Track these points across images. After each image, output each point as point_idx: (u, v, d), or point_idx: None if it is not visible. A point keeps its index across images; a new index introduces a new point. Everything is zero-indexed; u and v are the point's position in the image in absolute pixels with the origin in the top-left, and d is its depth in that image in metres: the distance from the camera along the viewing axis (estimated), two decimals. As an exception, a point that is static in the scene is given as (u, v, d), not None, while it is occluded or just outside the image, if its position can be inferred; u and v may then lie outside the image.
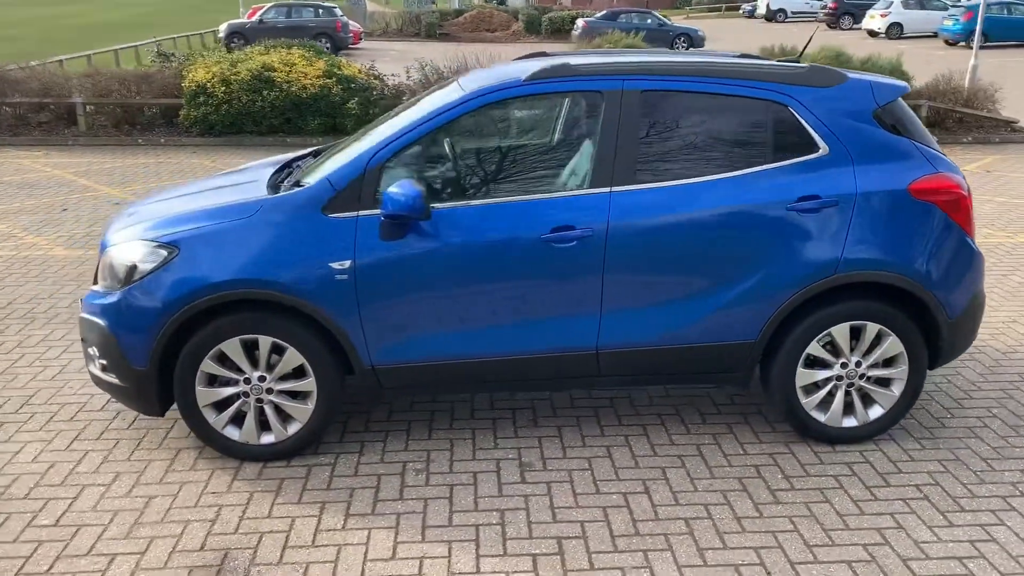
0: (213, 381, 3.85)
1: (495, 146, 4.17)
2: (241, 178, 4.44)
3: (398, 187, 3.59)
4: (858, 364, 3.98)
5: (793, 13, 44.87)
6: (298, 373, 3.85)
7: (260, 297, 3.70)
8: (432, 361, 3.87)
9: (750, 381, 4.09)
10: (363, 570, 3.22)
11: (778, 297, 3.84)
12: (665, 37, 29.63)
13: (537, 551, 3.33)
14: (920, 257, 3.87)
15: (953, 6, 32.20)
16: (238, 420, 3.91)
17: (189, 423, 3.88)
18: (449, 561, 3.27)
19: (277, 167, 4.50)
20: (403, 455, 4.02)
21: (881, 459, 3.98)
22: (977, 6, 28.94)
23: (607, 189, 3.79)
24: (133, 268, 3.77)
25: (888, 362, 4.00)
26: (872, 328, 3.92)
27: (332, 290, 3.71)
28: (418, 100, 4.62)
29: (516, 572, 3.20)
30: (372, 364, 3.84)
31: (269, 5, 27.71)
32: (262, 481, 3.80)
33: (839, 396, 4.02)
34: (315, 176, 4.01)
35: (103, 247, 4.04)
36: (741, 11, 50.45)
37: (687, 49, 29.75)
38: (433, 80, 13.28)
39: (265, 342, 3.77)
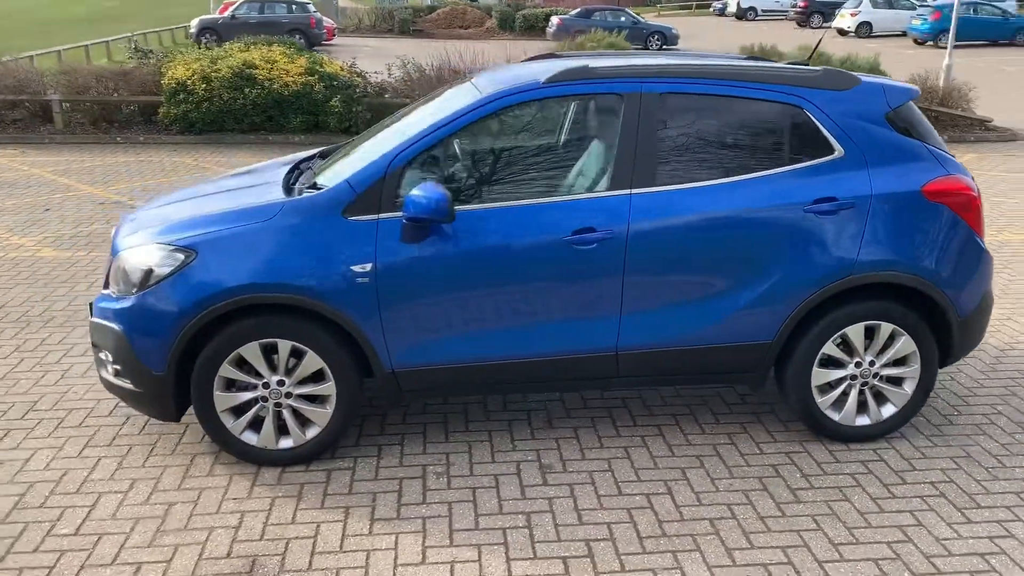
0: (231, 386, 3.81)
1: (514, 148, 4.17)
2: (253, 180, 4.39)
3: (422, 190, 3.57)
4: (872, 363, 4.03)
5: (763, 11, 45.27)
6: (317, 377, 3.82)
7: (281, 301, 3.67)
8: (452, 364, 3.86)
9: (765, 381, 4.13)
10: (394, 575, 3.21)
11: (795, 298, 3.88)
12: (639, 35, 29.70)
13: (567, 553, 3.33)
14: (933, 258, 3.93)
15: (921, 6, 32.68)
16: (255, 425, 3.87)
17: (206, 428, 3.83)
18: (480, 565, 3.26)
19: (288, 169, 4.46)
20: (422, 458, 4.01)
21: (895, 457, 4.04)
22: (945, 6, 29.53)
23: (627, 191, 3.81)
24: (149, 272, 3.72)
25: (900, 361, 4.06)
26: (886, 328, 3.97)
27: (353, 293, 3.69)
28: (425, 102, 4.62)
29: (548, 575, 3.21)
30: (392, 367, 3.83)
31: (241, 0, 27.37)
32: (282, 486, 3.77)
33: (853, 395, 4.08)
34: (331, 178, 3.98)
35: (114, 251, 3.98)
36: (711, 9, 50.79)
37: (660, 48, 29.90)
38: (415, 78, 13.24)
39: (284, 346, 3.74)
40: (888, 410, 4.12)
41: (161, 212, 4.20)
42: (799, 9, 40.06)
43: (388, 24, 35.36)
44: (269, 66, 12.24)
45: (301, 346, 3.74)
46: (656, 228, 3.79)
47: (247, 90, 11.99)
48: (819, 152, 3.91)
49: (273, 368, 3.79)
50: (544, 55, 4.88)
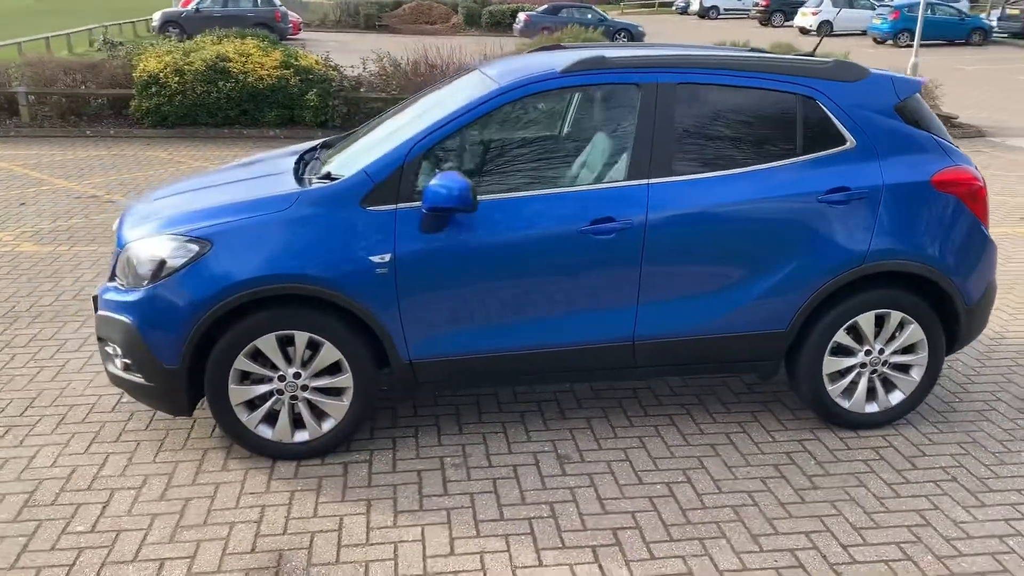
0: (245, 379, 3.75)
1: (531, 138, 4.16)
2: (261, 171, 4.32)
3: (444, 179, 3.53)
4: (881, 351, 4.09)
5: (725, 10, 45.68)
6: (333, 369, 3.77)
7: (299, 292, 3.61)
8: (469, 354, 3.84)
9: (778, 370, 4.17)
10: (425, 567, 3.18)
11: (809, 287, 3.92)
12: (606, 32, 29.74)
13: (595, 542, 3.33)
14: (943, 247, 4.00)
15: (880, 5, 33.25)
16: (270, 418, 3.81)
17: (220, 422, 3.77)
18: (510, 555, 3.25)
19: (295, 159, 4.39)
20: (438, 450, 3.98)
21: (904, 443, 4.11)
22: (903, 6, 30.10)
23: (644, 181, 3.82)
24: (162, 263, 3.64)
25: (908, 349, 4.13)
26: (896, 316, 4.03)
27: (372, 284, 3.65)
28: (429, 94, 4.60)
29: (579, 564, 3.21)
30: (410, 358, 3.79)
31: (205, -7, 26.97)
32: (300, 480, 3.72)
33: (863, 383, 4.13)
34: (340, 168, 3.94)
35: (120, 243, 3.89)
36: (674, 7, 51.13)
37: (627, 43, 30.04)
38: (390, 72, 13.14)
39: (301, 338, 3.68)
40: (896, 397, 4.18)
41: (167, 203, 4.11)
42: (761, 8, 40.52)
43: (354, 19, 35.07)
44: (243, 59, 12.08)
45: (318, 338, 3.69)
46: (673, 217, 3.80)
47: (221, 83, 11.81)
48: (831, 143, 3.95)
49: (289, 360, 3.74)
50: (549, 46, 4.87)
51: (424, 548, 3.28)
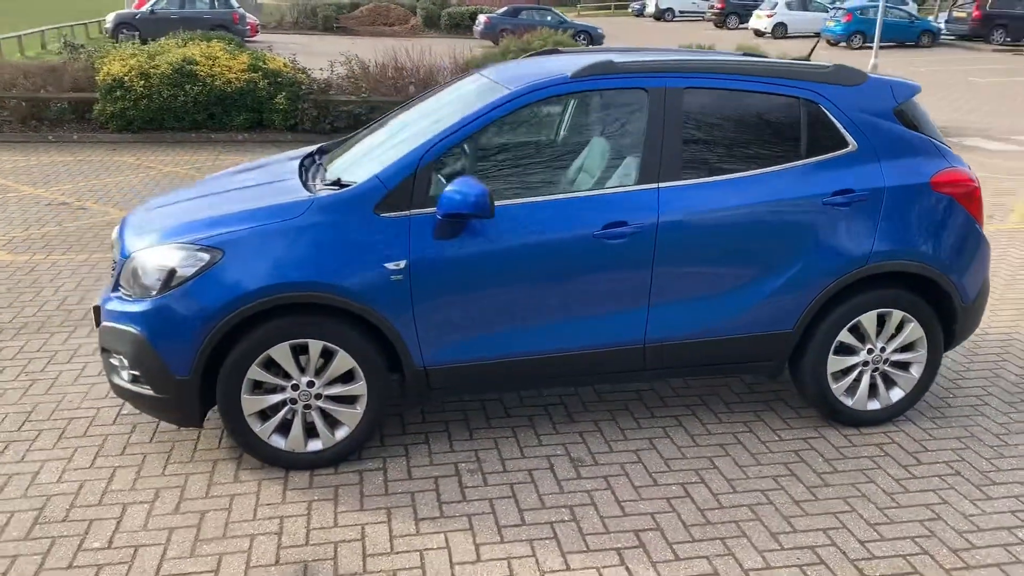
0: (257, 388, 3.70)
1: (541, 142, 4.17)
2: (264, 177, 4.27)
3: (461, 185, 3.53)
4: (882, 350, 4.18)
5: (681, 12, 46.21)
6: (346, 377, 3.74)
7: (314, 300, 3.58)
8: (483, 360, 3.83)
9: (783, 370, 4.24)
10: (453, 574, 3.17)
11: (815, 288, 3.99)
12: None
13: (619, 545, 3.35)
14: (942, 246, 4.10)
15: (833, 8, 33.88)
16: (282, 428, 3.76)
17: (233, 433, 3.71)
18: (536, 560, 3.25)
19: (298, 165, 4.34)
20: (451, 456, 3.97)
21: (906, 439, 4.20)
22: (855, 8, 30.71)
23: (655, 185, 3.85)
24: (172, 273, 3.58)
25: (908, 347, 4.22)
26: (897, 315, 4.12)
27: (387, 291, 3.63)
28: (423, 100, 4.60)
29: (607, 567, 3.23)
30: (424, 365, 3.78)
31: (160, -6, 26.47)
32: (315, 490, 3.68)
33: (865, 381, 4.22)
34: (348, 173, 3.92)
35: (124, 253, 3.81)
36: (630, 10, 51.56)
37: (587, 46, 30.21)
38: (359, 74, 13.04)
39: (315, 346, 3.65)
40: (896, 394, 4.28)
41: (169, 212, 4.05)
42: (716, 10, 41.06)
43: (311, 21, 34.72)
44: (210, 62, 11.90)
45: (332, 346, 3.66)
46: (684, 221, 3.84)
47: (188, 87, 11.62)
48: (834, 146, 4.03)
49: (302, 369, 3.70)
50: (545, 50, 4.89)
51: (450, 555, 3.27)
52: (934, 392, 4.70)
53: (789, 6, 34.73)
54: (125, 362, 3.71)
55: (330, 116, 12.25)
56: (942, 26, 32.69)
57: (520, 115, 3.92)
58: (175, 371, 3.58)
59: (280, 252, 3.58)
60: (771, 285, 3.98)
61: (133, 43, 13.93)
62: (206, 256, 3.57)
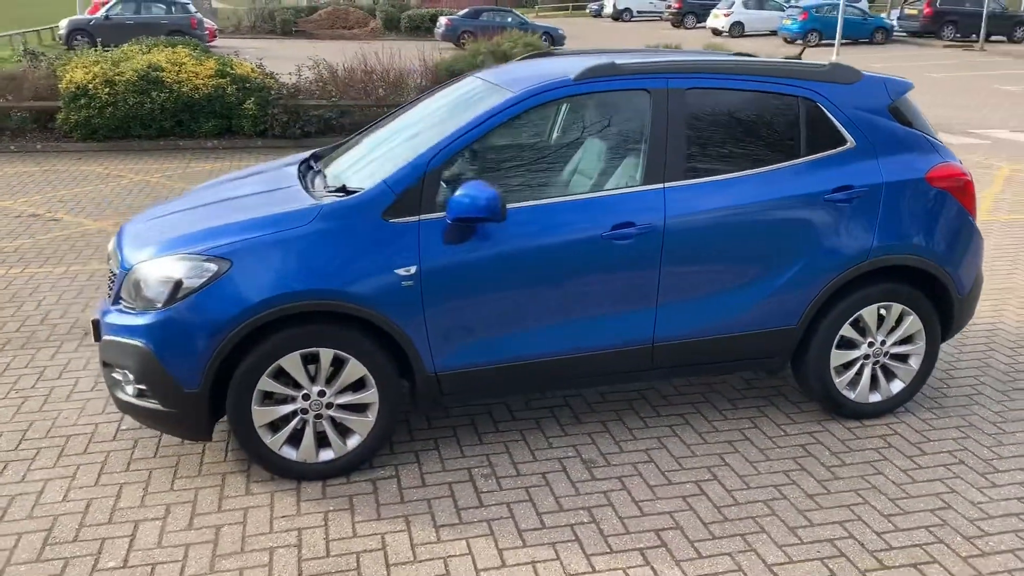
0: (267, 399, 3.65)
1: (545, 145, 4.17)
2: (263, 185, 4.21)
3: (471, 189, 3.51)
4: (883, 343, 4.24)
5: (639, 12, 46.57)
6: (357, 385, 3.70)
7: (325, 308, 3.54)
8: (494, 364, 3.82)
9: (786, 365, 4.29)
10: (480, 581, 3.16)
11: (818, 283, 4.04)
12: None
13: (641, 545, 3.36)
14: (939, 240, 4.18)
15: (788, 7, 34.38)
16: (292, 439, 3.71)
17: (244, 446, 3.65)
18: (561, 563, 3.25)
19: (296, 172, 4.29)
20: (463, 461, 3.95)
21: (908, 430, 4.27)
22: (810, 7, 31.18)
23: (660, 185, 3.87)
24: (178, 284, 3.51)
25: (907, 339, 4.29)
26: (896, 308, 4.19)
27: (398, 297, 3.60)
28: (418, 103, 4.58)
29: (632, 567, 3.23)
30: (435, 370, 3.75)
31: (115, 0, 25.98)
32: (330, 500, 3.64)
33: (866, 374, 4.28)
34: (351, 180, 3.89)
35: (124, 265, 3.73)
36: (588, 10, 51.80)
37: (549, 47, 30.27)
38: (327, 78, 12.92)
39: (327, 355, 3.60)
40: (897, 386, 4.35)
41: (169, 222, 3.97)
42: (673, 10, 41.44)
43: (269, 25, 34.36)
44: (177, 68, 11.71)
45: (343, 354, 3.62)
46: (690, 220, 3.87)
47: (154, 94, 11.42)
48: (832, 143, 4.08)
49: (312, 378, 3.65)
50: (539, 53, 4.89)
51: (474, 562, 3.25)
52: (930, 384, 4.78)
53: (746, 5, 35.18)
54: (130, 376, 3.63)
55: (300, 121, 12.13)
56: (895, 23, 33.35)
57: (524, 118, 3.91)
58: (183, 384, 3.52)
59: (289, 261, 3.54)
60: (775, 282, 4.02)
61: (96, 49, 13.62)
62: (213, 267, 3.51)
